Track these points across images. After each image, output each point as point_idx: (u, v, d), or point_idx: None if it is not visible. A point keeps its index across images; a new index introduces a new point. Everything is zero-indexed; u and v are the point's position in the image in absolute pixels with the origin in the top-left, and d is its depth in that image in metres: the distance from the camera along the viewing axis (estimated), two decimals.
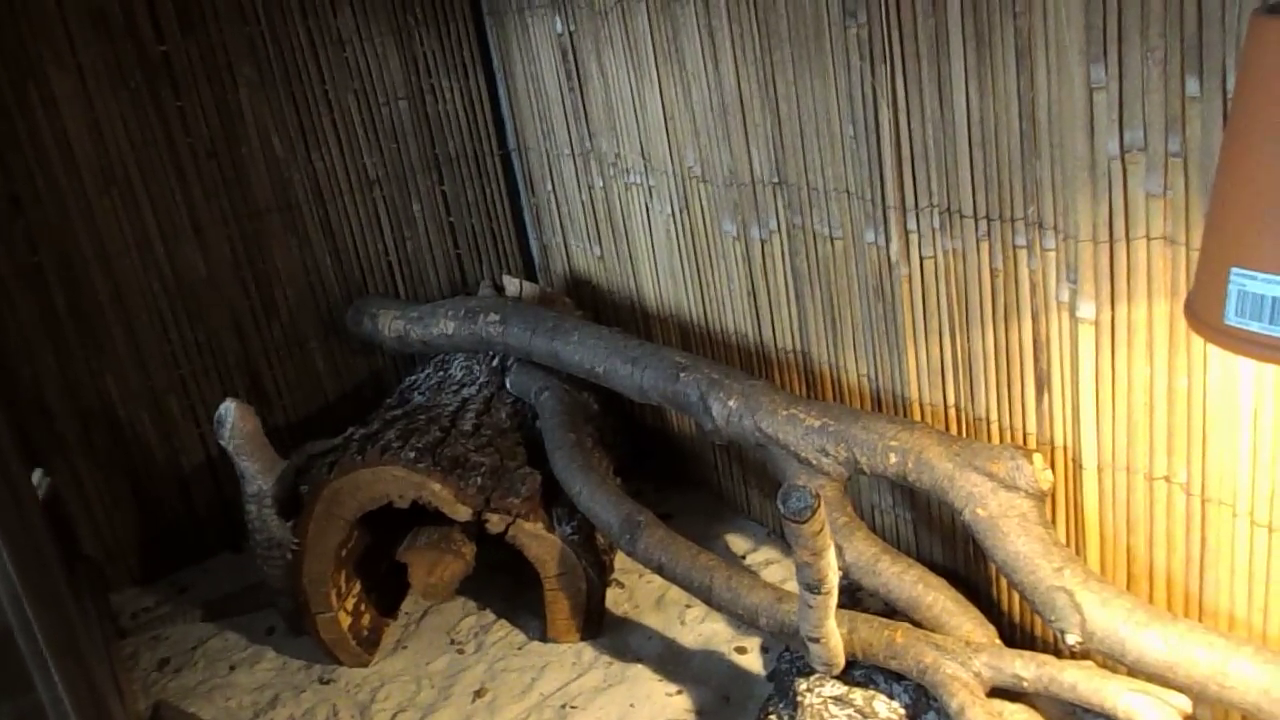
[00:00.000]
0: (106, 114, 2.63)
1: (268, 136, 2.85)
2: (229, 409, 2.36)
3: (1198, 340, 1.47)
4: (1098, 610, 1.55)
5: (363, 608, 2.45)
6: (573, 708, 2.20)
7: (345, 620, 2.38)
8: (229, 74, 2.77)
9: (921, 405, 2.02)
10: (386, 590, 2.55)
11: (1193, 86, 1.38)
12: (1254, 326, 1.04)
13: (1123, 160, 1.49)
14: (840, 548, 1.85)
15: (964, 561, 2.06)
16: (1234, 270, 1.05)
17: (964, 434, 1.95)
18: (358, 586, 2.44)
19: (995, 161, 1.69)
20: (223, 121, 2.79)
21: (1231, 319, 1.05)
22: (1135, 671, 1.54)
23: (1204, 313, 1.10)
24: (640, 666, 2.28)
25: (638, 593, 2.52)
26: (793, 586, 1.83)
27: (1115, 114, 1.47)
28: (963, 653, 1.67)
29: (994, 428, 1.89)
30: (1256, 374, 1.43)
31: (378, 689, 2.35)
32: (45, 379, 2.67)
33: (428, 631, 2.52)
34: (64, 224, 2.62)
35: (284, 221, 2.92)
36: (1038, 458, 1.71)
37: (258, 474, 2.39)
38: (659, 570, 2.11)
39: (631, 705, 2.17)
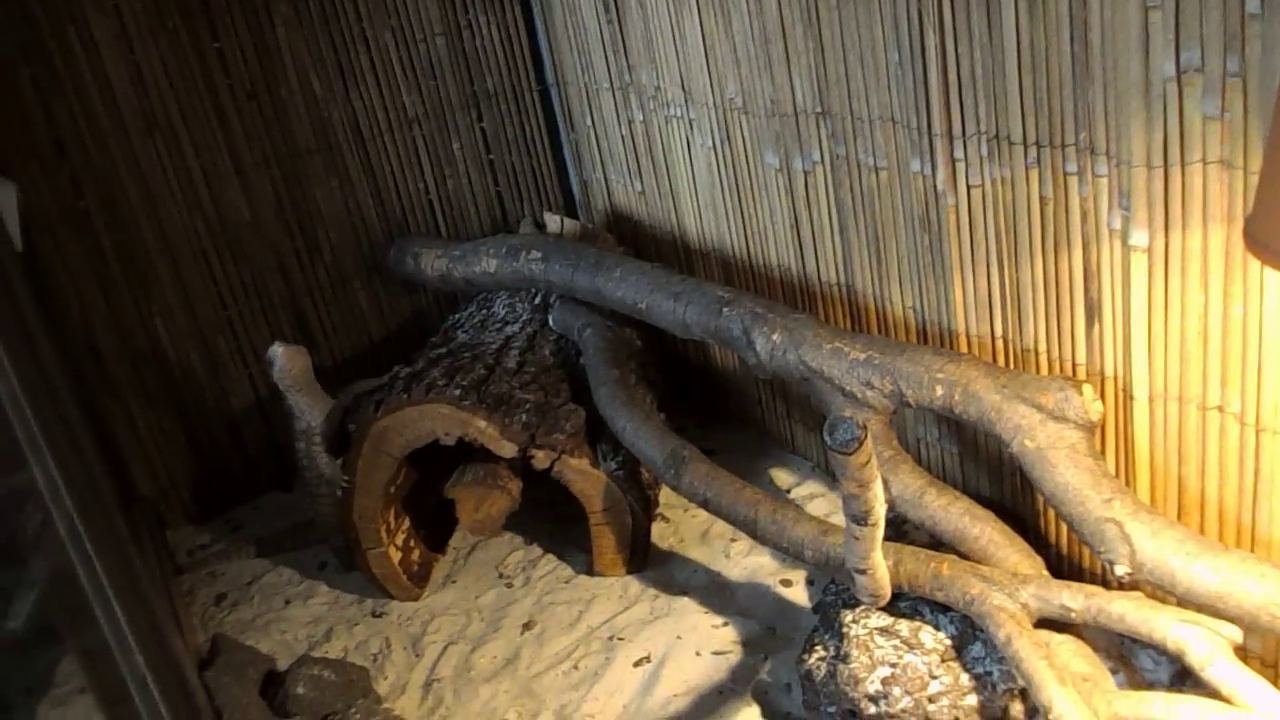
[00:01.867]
0: (146, 57, 2.63)
1: (306, 76, 2.84)
2: (276, 352, 2.41)
3: (1254, 267, 1.44)
4: (1147, 541, 1.54)
5: (412, 543, 2.49)
6: (620, 639, 2.23)
7: (395, 555, 2.42)
8: (266, 13, 2.75)
9: (968, 337, 2.00)
10: (435, 526, 2.59)
11: (1253, 3, 1.33)
12: None
13: (1179, 82, 1.45)
14: (886, 480, 1.85)
15: (1011, 494, 2.05)
16: None
17: (1012, 365, 1.93)
18: (407, 522, 2.48)
19: (1045, 86, 1.65)
20: (261, 62, 2.78)
21: None
22: (1185, 603, 1.53)
23: (1264, 236, 1.07)
24: (686, 599, 2.30)
25: (683, 527, 2.54)
26: (838, 520, 1.83)
27: (1171, 34, 1.43)
28: (1010, 584, 1.67)
29: (1043, 359, 1.87)
30: None
31: (428, 622, 2.40)
32: (95, 322, 2.71)
33: (476, 566, 2.56)
34: (108, 168, 2.64)
35: (325, 162, 2.92)
36: (1087, 388, 1.69)
37: (307, 411, 2.43)
38: (704, 504, 2.12)
39: (678, 637, 2.20)
